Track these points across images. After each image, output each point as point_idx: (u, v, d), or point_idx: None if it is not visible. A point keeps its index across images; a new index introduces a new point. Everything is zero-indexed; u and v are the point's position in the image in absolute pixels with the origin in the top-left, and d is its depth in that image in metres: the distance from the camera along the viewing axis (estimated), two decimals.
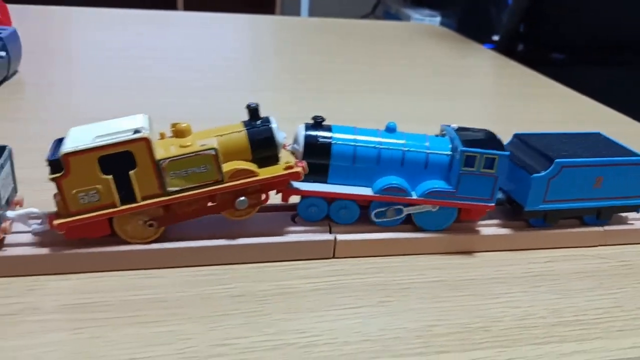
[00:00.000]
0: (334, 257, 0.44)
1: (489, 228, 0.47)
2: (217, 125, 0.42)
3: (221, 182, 0.40)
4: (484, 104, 0.95)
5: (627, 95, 1.08)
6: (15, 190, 0.42)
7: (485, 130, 0.47)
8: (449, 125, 0.47)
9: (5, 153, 0.40)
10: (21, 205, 0.42)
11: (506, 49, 1.25)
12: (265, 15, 1.76)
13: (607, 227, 0.49)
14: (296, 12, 2.23)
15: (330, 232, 0.44)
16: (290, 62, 1.09)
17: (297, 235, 0.43)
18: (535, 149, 0.47)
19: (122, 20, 1.30)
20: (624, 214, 0.50)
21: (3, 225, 0.38)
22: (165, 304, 0.37)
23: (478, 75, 1.13)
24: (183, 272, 0.41)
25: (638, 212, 0.50)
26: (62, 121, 0.68)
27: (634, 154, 0.48)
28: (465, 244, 0.46)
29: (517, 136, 0.50)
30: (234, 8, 1.81)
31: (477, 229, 0.47)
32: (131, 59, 1.00)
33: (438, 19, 2.20)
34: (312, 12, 2.23)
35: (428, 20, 2.16)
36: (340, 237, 0.43)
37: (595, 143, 0.50)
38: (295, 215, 0.45)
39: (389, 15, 2.43)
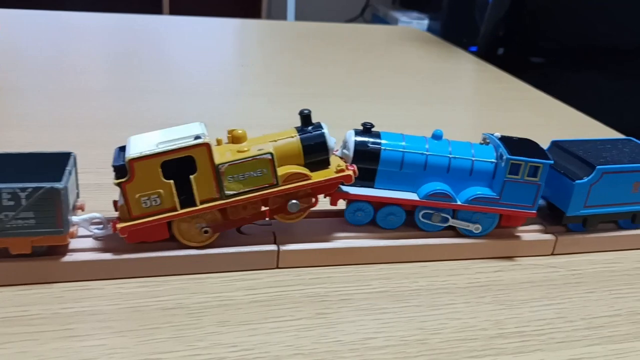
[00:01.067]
0: (277, 267, 0.43)
1: (437, 238, 0.47)
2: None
3: (276, 185, 0.41)
4: (461, 108, 0.94)
5: (604, 99, 1.07)
6: (78, 195, 0.43)
7: (527, 139, 0.48)
8: (492, 134, 0.48)
9: (71, 159, 0.41)
10: (83, 210, 0.43)
11: (487, 53, 1.25)
12: (251, 19, 1.75)
13: (560, 236, 0.48)
14: (282, 16, 2.23)
15: (275, 243, 0.43)
16: (276, 66, 1.09)
17: (241, 246, 0.42)
18: (575, 155, 0.49)
19: (106, 25, 1.29)
20: None
21: (71, 230, 0.39)
22: (96, 317, 0.37)
23: (457, 79, 1.13)
24: (117, 283, 0.40)
25: None
26: (35, 127, 0.67)
27: None
28: (410, 254, 0.45)
29: (554, 143, 0.51)
30: (219, 12, 1.81)
31: (429, 238, 0.47)
32: (112, 64, 1.00)
33: (426, 21, 2.20)
34: (300, 16, 2.23)
35: (415, 23, 2.16)
36: (284, 247, 0.43)
37: (630, 149, 0.51)
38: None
39: (377, 19, 2.43)
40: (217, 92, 0.89)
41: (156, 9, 2.17)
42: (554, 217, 0.49)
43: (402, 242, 0.45)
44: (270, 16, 2.41)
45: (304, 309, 0.39)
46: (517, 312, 0.41)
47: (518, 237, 0.48)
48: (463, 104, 0.97)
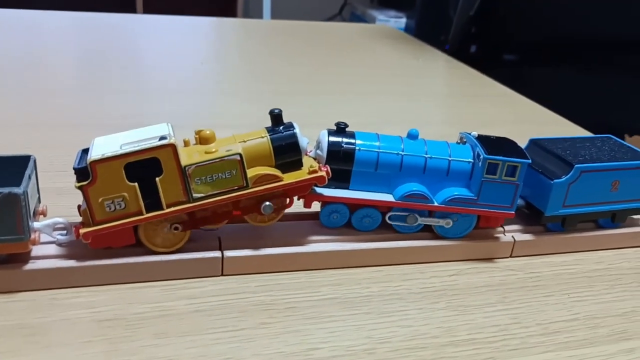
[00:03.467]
0: (222, 274, 0.41)
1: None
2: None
3: (246, 187, 0.39)
4: (429, 105, 0.93)
5: (573, 96, 1.07)
6: (39, 200, 0.41)
7: (505, 138, 0.47)
8: (469, 133, 0.46)
9: (31, 162, 0.39)
10: (45, 215, 0.41)
11: (459, 51, 1.24)
12: (227, 18, 1.73)
13: (517, 237, 0.47)
14: (259, 14, 2.21)
15: (220, 249, 0.41)
16: (252, 65, 1.07)
17: (183, 252, 0.40)
18: (553, 153, 0.48)
19: (78, 24, 1.26)
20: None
21: (32, 236, 0.37)
22: (23, 330, 0.35)
23: (426, 77, 1.11)
24: (47, 294, 0.38)
25: None
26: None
27: None
28: (362, 258, 0.44)
29: (533, 141, 0.50)
30: (194, 11, 1.78)
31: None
32: (82, 64, 0.97)
33: (404, 20, 2.19)
34: (276, 15, 2.21)
35: (393, 22, 2.15)
36: (229, 253, 0.41)
37: (609, 147, 0.50)
38: None
39: (355, 17, 2.41)
40: (191, 91, 0.86)
41: (129, 8, 2.13)
42: (532, 217, 0.48)
43: (352, 246, 0.43)
44: (246, 15, 2.38)
45: (247, 319, 0.38)
46: (470, 317, 0.40)
47: (475, 239, 0.46)
48: (432, 101, 0.96)
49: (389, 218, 0.45)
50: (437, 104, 0.96)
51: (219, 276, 0.41)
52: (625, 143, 0.51)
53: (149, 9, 2.18)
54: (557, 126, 0.83)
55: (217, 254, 0.41)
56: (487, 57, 1.21)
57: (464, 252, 0.46)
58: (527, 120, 0.86)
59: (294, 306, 0.39)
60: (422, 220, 0.45)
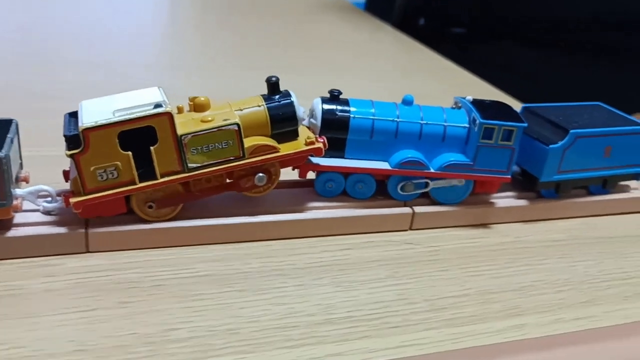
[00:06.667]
0: (88, 251, 0.38)
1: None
2: None
3: (242, 158, 0.38)
4: (375, 80, 0.89)
5: (521, 69, 1.05)
6: (21, 166, 0.39)
7: (500, 102, 0.46)
8: (464, 98, 0.45)
9: (13, 126, 0.37)
10: (27, 182, 0.39)
11: (406, 24, 1.20)
12: None
13: (416, 209, 0.44)
14: None
15: (85, 223, 0.38)
16: (183, 37, 1.02)
17: (40, 227, 0.37)
18: (547, 120, 0.47)
19: None
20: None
21: (15, 203, 0.35)
22: None
23: (374, 51, 1.08)
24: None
25: (638, 179, 0.50)
26: None
27: (637, 124, 0.48)
28: (242, 233, 0.41)
29: (526, 108, 0.50)
30: None
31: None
32: (36, 35, 0.92)
33: None
34: None
35: None
36: (94, 229, 0.37)
37: (600, 113, 0.50)
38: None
39: None
40: (142, 63, 0.82)
41: None
42: (526, 183, 0.48)
43: (231, 221, 0.40)
44: None
45: (105, 298, 0.34)
46: (353, 294, 0.37)
47: (372, 211, 0.43)
48: (375, 74, 0.92)
49: (401, 188, 0.44)
50: (380, 79, 0.92)
51: (83, 253, 0.38)
52: (615, 110, 0.51)
53: None
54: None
55: (81, 229, 0.37)
56: (435, 30, 1.18)
57: (360, 225, 0.43)
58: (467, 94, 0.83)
59: (161, 284, 0.36)
60: (434, 184, 0.44)
